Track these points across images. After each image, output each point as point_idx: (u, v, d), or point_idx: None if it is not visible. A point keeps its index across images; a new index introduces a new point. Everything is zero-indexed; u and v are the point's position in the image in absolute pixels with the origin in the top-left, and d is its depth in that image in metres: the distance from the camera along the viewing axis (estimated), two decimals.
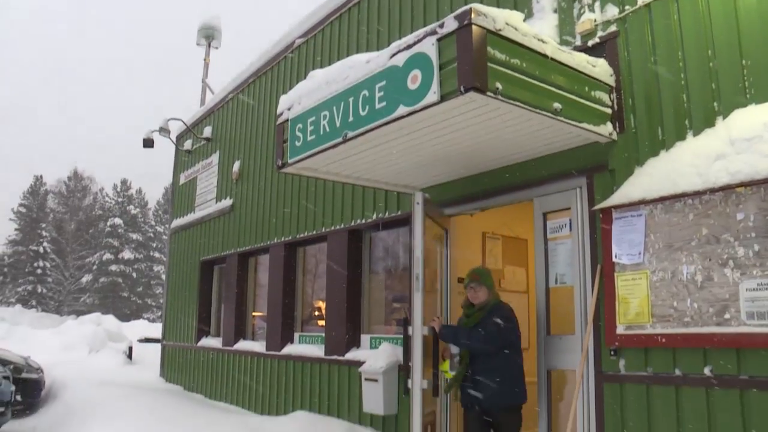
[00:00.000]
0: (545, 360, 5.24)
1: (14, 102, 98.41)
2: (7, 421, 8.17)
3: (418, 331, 5.02)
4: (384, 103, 4.39)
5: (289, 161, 5.56)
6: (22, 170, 68.48)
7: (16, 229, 56.98)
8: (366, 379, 6.63)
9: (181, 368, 12.30)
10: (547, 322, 5.29)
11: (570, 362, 4.97)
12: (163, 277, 54.44)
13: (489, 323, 4.95)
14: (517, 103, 4.05)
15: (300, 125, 5.28)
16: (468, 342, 5.00)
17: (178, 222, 12.99)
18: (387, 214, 7.10)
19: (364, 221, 7.44)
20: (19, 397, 8.73)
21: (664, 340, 4.24)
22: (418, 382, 4.93)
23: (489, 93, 3.88)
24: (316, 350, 7.98)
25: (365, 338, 7.45)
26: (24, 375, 9.62)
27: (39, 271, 54.17)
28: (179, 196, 13.49)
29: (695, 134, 4.33)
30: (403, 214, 6.86)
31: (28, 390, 9.53)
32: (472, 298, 5.21)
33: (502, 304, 5.16)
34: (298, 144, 5.32)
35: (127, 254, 55.69)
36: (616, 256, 4.60)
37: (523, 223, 6.92)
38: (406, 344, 5.45)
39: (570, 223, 5.12)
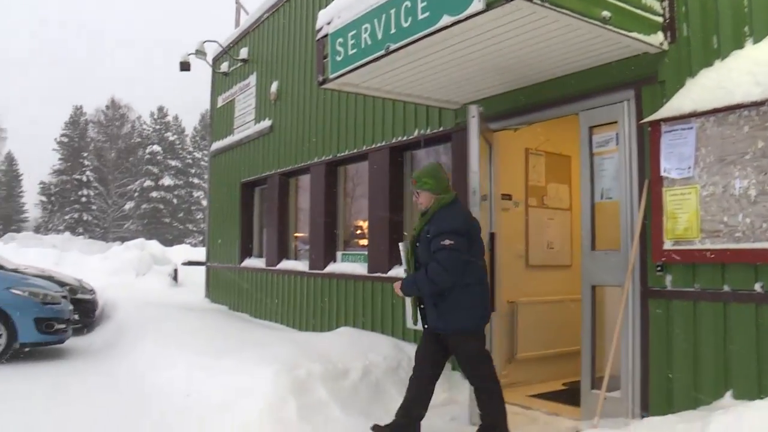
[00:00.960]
0: (589, 276, 5.21)
1: (50, 37, 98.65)
2: (69, 338, 8.56)
3: None
4: (427, 14, 4.28)
5: (330, 77, 5.52)
6: (63, 104, 69.54)
7: (60, 159, 58.11)
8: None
9: (225, 289, 12.61)
10: (592, 238, 5.23)
11: (615, 278, 4.94)
12: (203, 202, 55.48)
13: (434, 243, 4.29)
14: (565, 11, 3.91)
15: (340, 39, 5.20)
16: (419, 291, 4.46)
17: (217, 145, 13.06)
18: (429, 130, 7.03)
19: (405, 138, 7.38)
20: (76, 316, 9.05)
21: (713, 255, 4.17)
22: None
23: (536, 0, 3.75)
24: (359, 268, 8.08)
25: None
26: (79, 296, 9.97)
27: (84, 199, 55.55)
28: (218, 119, 13.53)
29: (756, 41, 4.13)
30: (445, 131, 6.79)
31: (83, 310, 9.89)
32: (419, 206, 4.71)
33: (444, 208, 4.45)
34: (338, 59, 5.26)
35: (167, 181, 56.56)
36: (664, 171, 4.49)
37: (566, 139, 6.82)
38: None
39: (617, 137, 5.01)
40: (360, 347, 6.33)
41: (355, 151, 8.24)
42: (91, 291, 10.82)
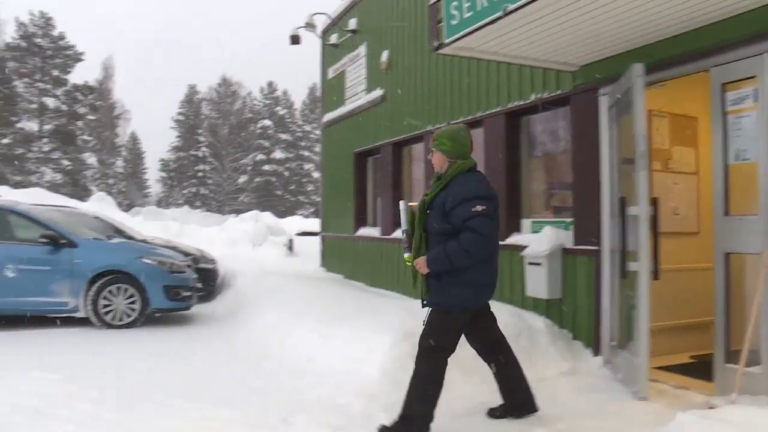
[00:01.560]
0: (722, 243, 4.90)
1: (167, 19, 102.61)
2: (194, 305, 9.00)
3: (643, 211, 4.83)
4: None
5: (446, 42, 5.44)
6: (179, 84, 72.35)
7: (177, 137, 60.76)
8: (529, 263, 6.61)
9: (340, 258, 12.82)
10: (725, 203, 4.91)
11: (751, 245, 4.62)
12: (314, 174, 56.57)
13: (463, 210, 3.90)
14: None
15: (455, 3, 5.11)
16: (452, 266, 3.96)
17: (329, 116, 13.22)
18: (546, 94, 6.81)
19: (521, 103, 7.20)
20: (199, 285, 9.48)
21: None
22: (645, 266, 4.83)
23: None
24: None
25: (526, 223, 7.38)
26: (201, 265, 10.44)
27: (200, 174, 58.03)
28: (328, 91, 13.67)
29: None
30: (563, 94, 6.56)
31: (205, 278, 10.34)
32: (434, 168, 4.29)
33: (463, 174, 4.07)
34: (453, 23, 5.17)
35: (278, 154, 58.07)
36: None
37: (692, 100, 6.43)
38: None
39: (755, 94, 4.66)
40: None
41: (469, 117, 8.11)
42: (212, 261, 11.29)
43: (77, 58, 48.45)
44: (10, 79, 45.08)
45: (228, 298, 10.12)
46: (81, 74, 48.92)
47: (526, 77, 7.06)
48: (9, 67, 45.34)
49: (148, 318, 8.56)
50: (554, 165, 7.29)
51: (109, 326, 8.22)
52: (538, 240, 6.59)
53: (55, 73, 47.28)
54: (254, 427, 4.04)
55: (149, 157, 62.89)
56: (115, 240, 9.02)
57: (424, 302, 4.22)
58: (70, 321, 8.47)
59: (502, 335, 4.48)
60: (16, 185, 30.76)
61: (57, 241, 8.25)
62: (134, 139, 63.28)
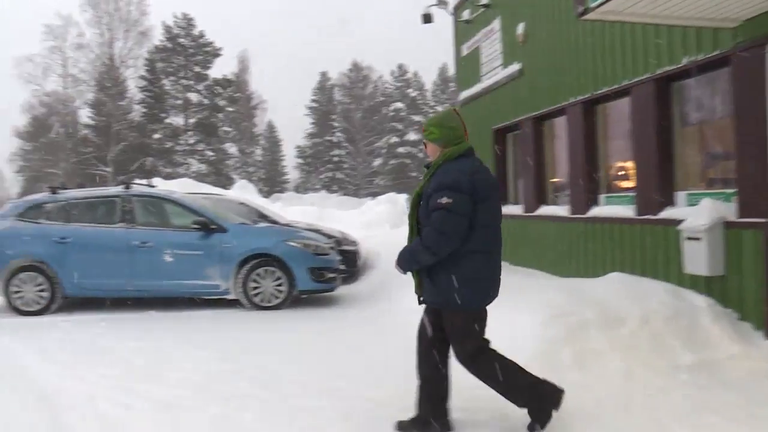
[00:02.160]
0: None
1: (296, 9, 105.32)
2: (338, 286, 9.13)
3: None
4: None
5: (591, 5, 5.14)
6: (311, 71, 73.96)
7: (311, 123, 62.36)
8: (687, 238, 6.14)
9: None
10: None
11: None
12: None
13: (432, 202, 3.61)
14: None
15: None
16: (419, 264, 3.71)
17: (465, 94, 12.97)
18: (700, 56, 6.24)
19: (672, 68, 6.66)
20: (343, 266, 9.60)
21: None
22: None
23: None
24: (625, 211, 7.55)
25: (680, 195, 6.86)
26: (344, 247, 10.57)
27: (336, 159, 59.33)
28: (463, 68, 13.41)
29: None
30: (721, 54, 5.97)
31: (348, 260, 10.46)
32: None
33: (449, 162, 3.74)
34: None
35: (411, 136, 58.23)
36: None
37: None
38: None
39: None
40: (635, 294, 5.91)
41: (614, 87, 7.64)
42: (354, 243, 11.41)
43: (216, 53, 50.70)
44: (159, 78, 48.00)
45: (371, 280, 10.21)
46: (219, 69, 51.17)
47: (677, 39, 6.51)
48: (158, 68, 48.24)
49: (295, 300, 8.76)
50: (711, 133, 6.73)
51: (258, 308, 8.50)
52: (696, 213, 6.09)
53: (197, 69, 49.74)
54: (408, 410, 3.95)
55: (286, 144, 64.96)
56: (261, 224, 9.31)
57: (420, 300, 3.89)
58: (221, 303, 8.84)
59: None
60: (167, 177, 32.73)
61: (208, 226, 8.61)
62: (271, 127, 65.44)
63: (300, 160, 61.87)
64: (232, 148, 52.48)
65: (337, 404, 4.43)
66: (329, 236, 10.39)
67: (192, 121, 48.77)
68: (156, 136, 46.82)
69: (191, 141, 48.24)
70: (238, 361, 5.66)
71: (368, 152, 60.67)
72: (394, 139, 58.85)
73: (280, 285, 8.55)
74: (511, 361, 3.79)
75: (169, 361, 5.75)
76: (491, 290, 3.77)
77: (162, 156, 45.98)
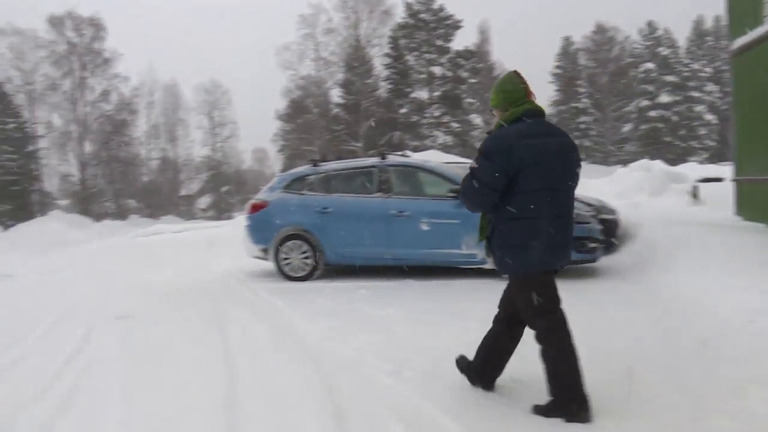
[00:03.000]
0: None
1: None
2: (600, 257, 8.56)
3: None
4: None
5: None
6: (552, 37, 71.68)
7: (555, 90, 60.59)
8: None
9: (764, 205, 11.10)
10: None
11: None
12: (706, 117, 51.65)
13: None
14: None
15: None
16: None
17: (741, 41, 11.45)
18: None
19: None
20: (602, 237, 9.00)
21: None
22: None
23: None
24: None
25: None
26: (603, 216, 9.90)
27: (582, 126, 57.03)
28: (736, 12, 11.86)
29: None
30: None
31: (607, 229, 9.78)
32: None
33: (501, 129, 3.68)
34: None
35: (663, 98, 54.20)
36: None
37: None
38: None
39: None
40: None
41: None
42: (613, 211, 10.67)
43: (456, 26, 50.88)
44: (402, 55, 49.43)
45: (633, 250, 9.46)
46: (461, 41, 51.39)
47: None
48: (401, 45, 49.69)
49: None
50: None
51: None
52: None
53: (439, 42, 50.35)
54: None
55: None
56: None
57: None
58: (477, 273, 8.72)
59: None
60: (414, 149, 33.60)
61: None
62: None
63: None
64: (476, 119, 52.60)
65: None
66: (587, 204, 9.78)
67: (436, 94, 49.59)
68: (402, 110, 48.36)
69: (436, 114, 49.11)
70: None
71: (616, 118, 57.54)
72: (645, 103, 55.08)
73: None
74: (571, 350, 3.64)
75: (428, 331, 5.71)
76: (543, 256, 3.62)
77: (409, 130, 47.40)
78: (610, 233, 9.94)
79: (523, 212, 3.59)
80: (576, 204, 8.50)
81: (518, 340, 3.99)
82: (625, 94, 57.15)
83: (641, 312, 6.19)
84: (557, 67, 61.01)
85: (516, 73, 3.87)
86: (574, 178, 3.74)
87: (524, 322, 3.86)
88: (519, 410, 3.71)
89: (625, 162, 36.80)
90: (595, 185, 20.79)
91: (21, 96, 53.00)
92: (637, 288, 7.40)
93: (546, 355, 3.68)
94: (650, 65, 56.01)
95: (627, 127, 56.62)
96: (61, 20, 52.65)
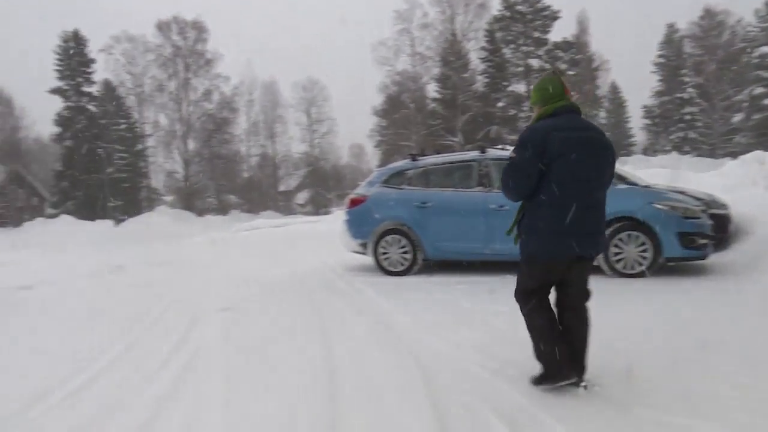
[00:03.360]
0: None
1: None
2: (710, 254, 8.15)
3: None
4: None
5: None
6: (655, 25, 69.08)
7: (659, 80, 58.29)
8: None
9: None
10: None
11: None
12: None
13: None
14: None
15: None
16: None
17: None
18: None
19: None
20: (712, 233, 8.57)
21: None
22: None
23: None
24: None
25: None
26: (713, 211, 9.42)
27: (687, 117, 54.52)
28: None
29: None
30: None
31: (717, 225, 9.32)
32: None
33: (537, 123, 3.95)
34: None
35: None
36: None
37: None
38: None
39: None
40: None
41: None
42: (724, 206, 10.14)
43: (554, 17, 49.73)
44: (499, 48, 48.76)
45: (745, 248, 8.95)
46: (559, 32, 50.22)
47: None
48: (497, 38, 49.03)
49: (660, 267, 8.02)
50: None
51: (620, 275, 7.94)
52: None
53: (536, 34, 49.37)
54: None
55: (631, 105, 61.87)
56: (622, 186, 8.63)
57: None
58: None
59: (577, 305, 4.07)
60: (512, 144, 33.10)
61: None
62: (614, 88, 62.71)
63: (647, 121, 58.29)
64: None
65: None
66: (696, 198, 9.32)
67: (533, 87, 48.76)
68: (499, 104, 47.77)
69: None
70: (602, 330, 5.23)
71: (725, 107, 54.74)
72: (759, 90, 52.01)
73: (644, 251, 7.87)
74: (554, 327, 3.97)
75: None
76: (562, 244, 3.82)
77: (506, 123, 46.74)
78: (721, 229, 9.46)
79: (552, 200, 3.80)
80: (684, 198, 8.19)
81: (586, 320, 4.10)
82: (735, 82, 54.27)
83: (750, 314, 5.83)
84: (660, 56, 58.71)
85: (555, 74, 4.16)
86: (604, 172, 3.94)
87: (584, 300, 4.11)
88: (624, 413, 3.55)
89: (734, 154, 35.00)
90: (703, 179, 19.87)
91: (131, 98, 55.70)
92: (750, 288, 6.97)
93: (529, 330, 4.07)
94: (766, 49, 52.94)
95: (737, 117, 53.71)
96: (168, 25, 54.94)
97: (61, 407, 4.09)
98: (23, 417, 3.94)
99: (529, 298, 4.04)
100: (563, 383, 3.89)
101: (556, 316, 4.07)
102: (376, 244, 9.35)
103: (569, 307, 4.08)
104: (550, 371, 3.95)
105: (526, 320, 4.08)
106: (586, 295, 4.10)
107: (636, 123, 60.62)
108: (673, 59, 57.54)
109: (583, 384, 3.92)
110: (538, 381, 4.04)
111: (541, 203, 3.84)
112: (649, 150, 53.28)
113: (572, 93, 4.05)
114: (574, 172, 3.78)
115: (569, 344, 3.93)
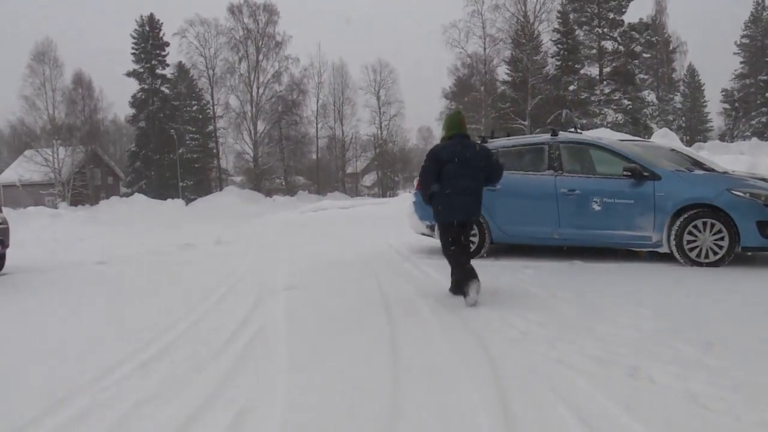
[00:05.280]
0: None
1: None
2: None
3: None
4: None
5: None
6: (740, 3, 66.07)
7: (741, 63, 55.96)
8: None
9: None
10: None
11: None
12: None
13: None
14: None
15: None
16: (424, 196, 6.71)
17: None
18: None
19: None
20: None
21: None
22: None
23: None
24: None
25: None
26: None
27: None
28: None
29: None
30: None
31: None
32: None
33: (440, 143, 6.68)
34: None
35: None
36: None
37: None
38: None
39: None
40: None
41: None
42: None
43: None
44: (572, 30, 47.56)
45: None
46: (634, 13, 48.67)
47: None
48: (570, 19, 47.82)
49: (737, 257, 7.71)
50: None
51: (694, 263, 7.66)
52: None
53: (611, 15, 47.92)
54: None
55: (709, 88, 59.68)
56: (698, 172, 8.31)
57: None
58: (647, 256, 8.30)
59: (462, 241, 6.41)
60: (582, 128, 32.36)
61: (639, 174, 8.00)
62: (692, 72, 60.62)
63: (726, 105, 56.06)
64: (649, 96, 49.73)
65: None
66: None
67: (607, 70, 47.41)
68: (571, 87, 46.72)
69: (606, 90, 46.93)
70: (675, 321, 5.06)
71: None
72: None
73: (720, 239, 7.56)
74: (457, 262, 6.33)
75: (598, 314, 5.42)
76: (448, 215, 6.33)
77: (577, 107, 45.65)
78: None
79: (441, 190, 6.27)
80: (766, 185, 7.72)
81: (469, 256, 6.51)
82: None
83: None
84: (744, 36, 56.28)
85: (458, 113, 6.74)
86: (475, 171, 6.27)
87: (467, 244, 6.58)
88: (695, 404, 3.41)
89: None
90: None
91: (203, 80, 56.83)
92: None
93: (448, 262, 6.50)
94: None
95: None
96: (239, 8, 55.73)
97: (131, 378, 4.20)
98: (96, 386, 4.06)
99: (447, 246, 6.44)
100: (461, 292, 6.13)
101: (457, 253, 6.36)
102: None
103: (461, 248, 6.40)
104: (455, 285, 6.37)
105: (446, 257, 6.52)
106: (467, 242, 6.55)
107: (714, 108, 58.39)
108: (758, 39, 55.02)
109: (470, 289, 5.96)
110: (451, 291, 6.50)
111: (437, 192, 6.31)
112: (727, 136, 51.22)
113: (467, 126, 6.62)
114: (449, 174, 6.20)
115: (462, 265, 6.21)
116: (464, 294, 5.97)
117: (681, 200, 7.72)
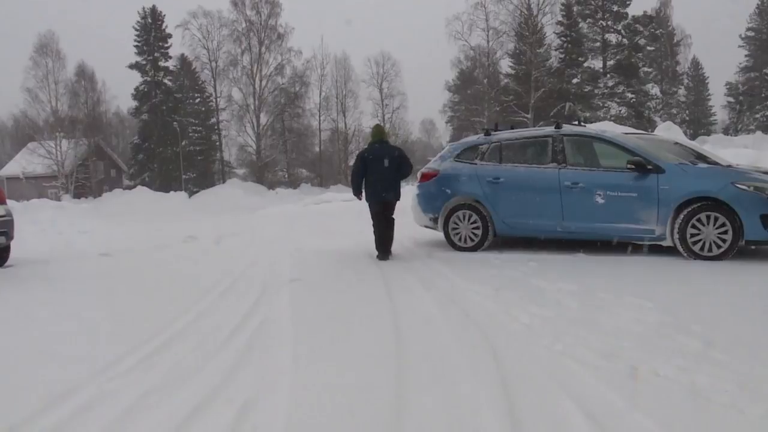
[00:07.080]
0: None
1: None
2: None
3: None
4: None
5: None
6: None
7: (746, 56, 55.74)
8: None
9: None
10: None
11: None
12: None
13: None
14: None
15: None
16: (355, 185, 9.13)
17: None
18: None
19: None
20: None
21: None
22: None
23: None
24: None
25: None
26: None
27: None
28: None
29: None
30: None
31: None
32: None
33: (367, 146, 9.14)
34: None
35: None
36: None
37: None
38: None
39: None
40: None
41: None
42: None
43: None
44: (576, 22, 47.44)
45: None
46: (638, 5, 48.52)
47: None
48: (574, 12, 47.68)
49: (740, 250, 7.70)
50: None
51: (697, 257, 7.65)
52: None
53: (615, 8, 47.81)
54: None
55: (713, 82, 59.46)
56: (702, 165, 8.28)
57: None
58: (651, 249, 8.27)
59: (387, 216, 8.92)
60: (586, 121, 32.30)
61: (643, 167, 7.99)
62: (696, 65, 60.40)
63: (730, 99, 55.90)
64: (653, 89, 49.57)
65: None
66: None
67: (611, 63, 47.29)
68: (574, 80, 46.61)
69: (610, 83, 46.83)
70: (678, 315, 5.06)
71: None
72: None
73: (723, 233, 7.55)
74: (378, 231, 8.92)
75: (602, 307, 5.41)
76: (374, 196, 8.80)
77: (581, 100, 45.59)
78: None
79: (369, 179, 8.76)
80: (766, 177, 7.68)
81: (391, 228, 9.00)
82: None
83: None
84: (750, 29, 56.01)
85: (379, 126, 9.25)
86: (390, 165, 8.69)
87: (390, 220, 8.97)
88: (700, 398, 3.41)
89: None
90: None
91: (206, 72, 56.72)
92: None
93: (373, 233, 8.94)
94: None
95: None
96: (242, 0, 55.47)
97: (135, 371, 4.20)
98: (100, 378, 4.07)
99: (373, 219, 8.87)
100: (380, 257, 8.80)
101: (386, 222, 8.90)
102: (447, 218, 9.32)
103: (384, 222, 8.86)
104: (378, 252, 8.86)
105: (373, 227, 8.94)
106: (390, 217, 8.89)
107: (718, 101, 58.20)
108: (764, 32, 54.78)
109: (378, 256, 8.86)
110: (378, 257, 8.79)
111: (366, 181, 8.80)
112: (731, 129, 51.08)
113: (389, 135, 8.24)
114: (373, 168, 8.69)
115: (385, 238, 8.85)
116: (378, 253, 8.89)
117: (685, 193, 7.70)
